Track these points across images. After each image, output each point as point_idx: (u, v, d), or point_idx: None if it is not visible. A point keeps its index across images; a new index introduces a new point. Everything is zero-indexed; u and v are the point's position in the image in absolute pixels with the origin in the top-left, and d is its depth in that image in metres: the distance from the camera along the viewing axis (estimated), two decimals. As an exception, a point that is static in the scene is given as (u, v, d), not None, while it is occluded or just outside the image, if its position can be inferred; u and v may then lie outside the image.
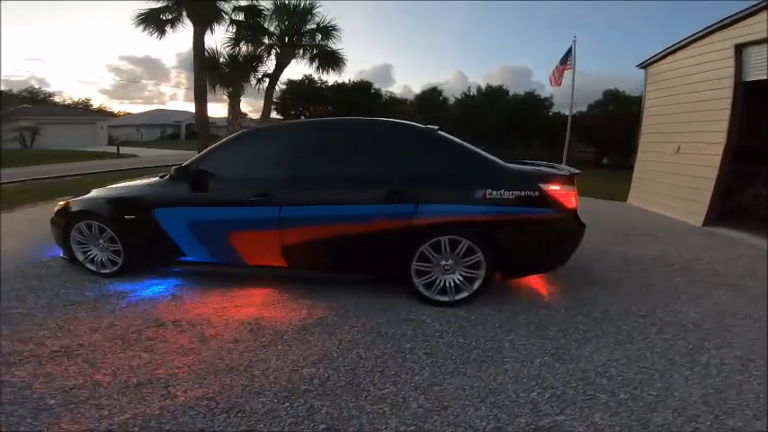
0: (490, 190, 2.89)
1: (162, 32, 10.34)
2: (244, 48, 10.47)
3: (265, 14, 10.16)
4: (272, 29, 10.40)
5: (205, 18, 9.80)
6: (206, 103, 10.97)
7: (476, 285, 2.98)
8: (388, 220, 2.95)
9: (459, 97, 32.83)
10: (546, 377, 2.12)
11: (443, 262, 2.98)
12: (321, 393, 2.00)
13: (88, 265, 3.53)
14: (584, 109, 31.28)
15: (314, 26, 10.48)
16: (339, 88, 35.18)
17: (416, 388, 2.04)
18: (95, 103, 47.65)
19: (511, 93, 31.52)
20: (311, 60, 11.32)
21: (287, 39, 10.47)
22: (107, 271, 3.50)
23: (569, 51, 9.67)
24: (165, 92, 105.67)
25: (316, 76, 28.81)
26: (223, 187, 3.26)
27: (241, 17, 10.31)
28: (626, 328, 2.67)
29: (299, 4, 10.11)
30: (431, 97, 31.78)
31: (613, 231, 5.61)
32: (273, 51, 10.82)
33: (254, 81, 10.86)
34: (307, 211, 3.06)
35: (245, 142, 3.47)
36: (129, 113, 51.79)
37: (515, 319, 2.81)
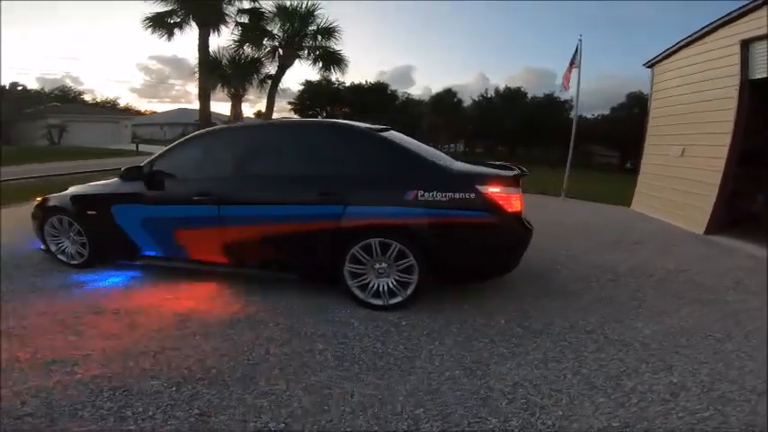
0: (422, 192, 2.74)
1: (170, 35, 10.63)
2: (248, 50, 10.65)
3: (268, 17, 10.28)
4: (275, 31, 10.53)
5: (209, 21, 10.01)
6: (209, 102, 11.24)
7: (409, 290, 2.85)
8: (318, 220, 2.92)
9: (477, 99, 32.38)
10: (445, 393, 1.96)
11: (377, 265, 2.87)
12: (213, 383, 2.03)
13: (60, 256, 3.74)
14: (606, 112, 30.25)
15: (315, 28, 10.53)
16: (356, 89, 35.38)
17: (306, 389, 2.00)
18: (126, 102, 49.54)
19: (530, 95, 30.81)
20: (314, 62, 11.37)
21: (289, 41, 10.57)
22: (75, 262, 3.70)
23: (576, 51, 9.27)
24: (191, 91, 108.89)
25: (318, 77, 28.90)
26: (174, 186, 3.35)
27: (245, 20, 10.46)
28: (563, 345, 2.44)
29: (301, 6, 10.19)
30: (445, 99, 31.45)
31: (602, 239, 5.29)
32: (276, 53, 10.96)
33: (255, 82, 11.04)
34: (242, 211, 3.12)
35: (195, 143, 3.54)
36: (154, 112, 53.65)
37: (447, 328, 2.64)
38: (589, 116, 29.81)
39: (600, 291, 3.41)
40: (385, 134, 3.18)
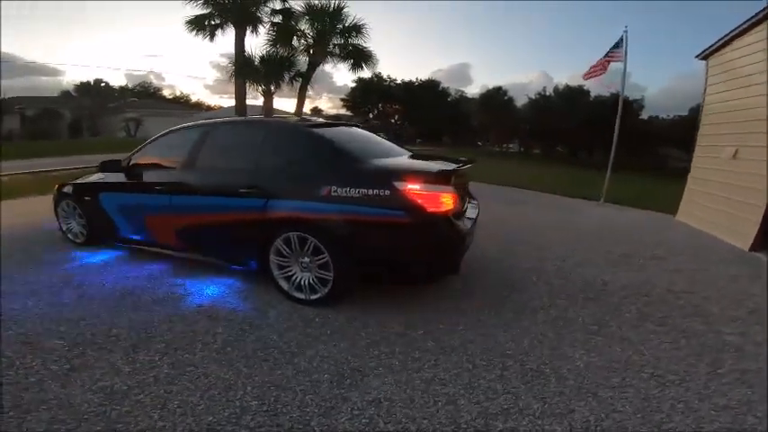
0: (335, 187, 2.60)
1: (212, 36, 11.29)
2: (281, 49, 10.93)
3: (298, 16, 10.50)
4: (305, 30, 10.72)
5: (243, 22, 10.48)
6: (245, 99, 11.77)
7: (327, 288, 2.75)
8: (243, 212, 2.97)
9: (534, 97, 30.52)
10: (294, 393, 1.88)
11: (301, 259, 2.83)
12: (69, 349, 2.16)
13: (68, 235, 4.26)
14: (684, 113, 26.87)
15: (342, 26, 10.56)
16: (406, 86, 35.21)
17: (173, 364, 2.08)
18: (198, 98, 53.66)
19: (593, 94, 28.35)
20: (344, 59, 11.40)
21: (318, 39, 10.70)
22: (79, 241, 4.18)
23: (618, 42, 8.29)
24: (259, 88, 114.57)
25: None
26: (146, 177, 3.66)
27: (278, 19, 10.79)
28: (464, 367, 2.10)
29: (329, 4, 10.30)
30: (494, 97, 30.04)
31: (611, 250, 4.64)
32: (308, 51, 11.15)
33: (287, 79, 11.32)
34: (186, 200, 3.32)
35: (162, 140, 3.84)
36: (221, 107, 57.78)
37: (357, 332, 2.48)
38: (665, 117, 26.74)
39: (564, 310, 2.95)
40: (320, 129, 3.15)
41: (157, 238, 3.63)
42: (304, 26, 10.64)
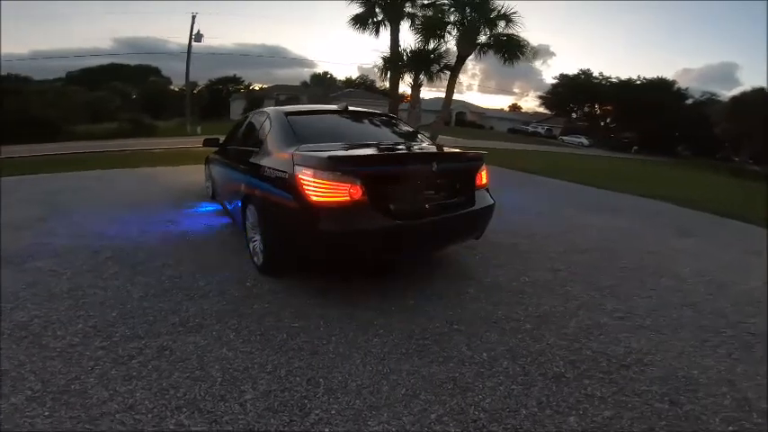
0: (267, 167, 2.90)
1: (377, 32, 12.29)
2: (431, 42, 10.93)
3: (445, 8, 10.22)
4: (454, 21, 10.32)
5: (398, 18, 10.98)
6: (398, 92, 12.39)
7: (261, 258, 3.04)
8: (237, 184, 3.55)
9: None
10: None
11: (254, 228, 3.17)
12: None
13: (208, 191, 5.62)
14: None
15: (493, 15, 9.63)
16: (623, 85, 28.84)
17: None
18: (403, 90, 59.11)
19: None
20: (495, 50, 10.47)
21: (466, 31, 10.13)
22: (210, 195, 5.47)
23: None
24: (462, 81, 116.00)
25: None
26: (221, 152, 4.64)
27: (429, 12, 10.79)
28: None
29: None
30: (753, 101, 21.12)
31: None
32: (455, 43, 10.74)
33: (435, 71, 11.25)
34: (225, 172, 4.32)
35: (236, 125, 4.73)
36: (422, 99, 61.64)
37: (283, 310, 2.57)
38: None
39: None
40: (293, 116, 3.33)
41: (220, 200, 4.79)
42: (452, 18, 10.26)
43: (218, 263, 3.28)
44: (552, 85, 33.54)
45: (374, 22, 11.84)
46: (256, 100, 33.38)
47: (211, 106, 37.68)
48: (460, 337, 2.34)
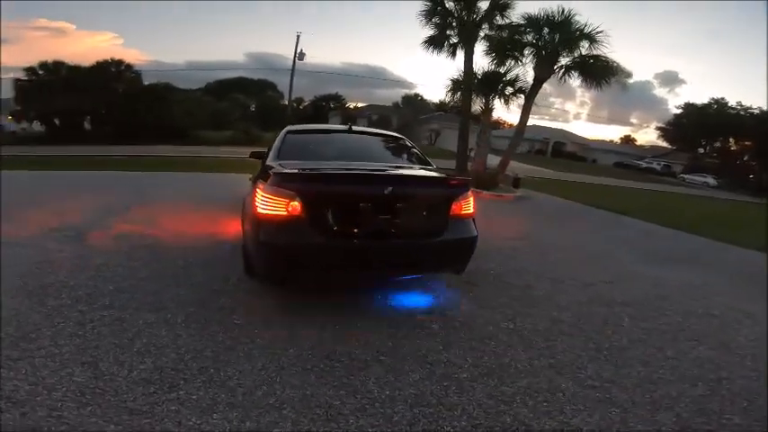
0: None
1: (453, 54, 12.15)
2: (504, 65, 10.42)
3: (521, 30, 9.69)
4: (530, 42, 9.70)
5: (471, 39, 10.79)
6: (470, 115, 12.00)
7: None
8: None
9: None
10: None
11: None
12: None
13: None
14: None
15: (575, 35, 8.82)
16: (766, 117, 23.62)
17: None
18: (499, 116, 56.73)
19: None
20: (577, 71, 9.57)
21: (543, 52, 9.44)
22: None
23: None
24: (569, 110, 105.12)
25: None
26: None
27: (504, 34, 10.36)
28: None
29: (555, 15, 8.94)
30: None
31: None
32: (531, 66, 10.07)
33: (508, 94, 10.69)
34: None
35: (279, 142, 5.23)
36: (513, 125, 58.34)
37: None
38: None
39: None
40: (299, 135, 3.71)
41: None
42: (528, 38, 9.67)
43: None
44: (675, 115, 29.06)
45: (450, 45, 11.77)
46: (350, 118, 35.56)
47: (313, 120, 41.30)
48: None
